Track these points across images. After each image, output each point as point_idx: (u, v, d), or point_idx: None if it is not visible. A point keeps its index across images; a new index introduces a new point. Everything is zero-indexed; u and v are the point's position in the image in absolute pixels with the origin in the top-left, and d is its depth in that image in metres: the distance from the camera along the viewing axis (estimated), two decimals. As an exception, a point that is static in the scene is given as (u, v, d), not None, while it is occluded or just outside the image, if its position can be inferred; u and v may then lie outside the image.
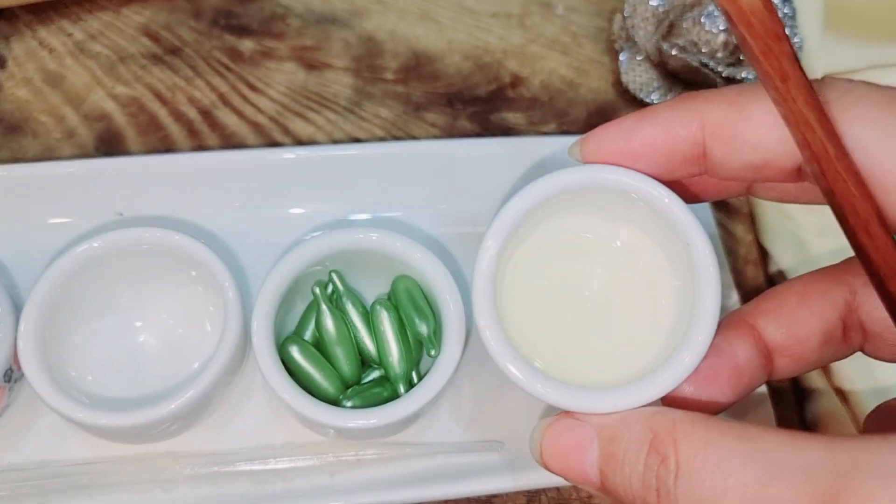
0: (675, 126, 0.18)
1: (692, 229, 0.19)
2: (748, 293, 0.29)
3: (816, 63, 0.32)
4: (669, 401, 0.19)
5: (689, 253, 0.19)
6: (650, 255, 0.21)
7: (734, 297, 0.28)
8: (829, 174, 0.16)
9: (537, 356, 0.20)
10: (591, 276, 0.21)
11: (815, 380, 0.28)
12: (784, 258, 0.30)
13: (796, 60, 0.16)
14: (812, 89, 0.16)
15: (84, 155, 0.30)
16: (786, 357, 0.20)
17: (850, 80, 0.17)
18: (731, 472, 0.14)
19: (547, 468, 0.18)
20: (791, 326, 0.19)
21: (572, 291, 0.21)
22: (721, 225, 0.30)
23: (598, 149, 0.19)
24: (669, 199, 0.19)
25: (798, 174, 0.17)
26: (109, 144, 0.30)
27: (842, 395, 0.27)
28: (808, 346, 0.19)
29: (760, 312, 0.20)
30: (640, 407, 0.18)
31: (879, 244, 0.16)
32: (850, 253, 0.23)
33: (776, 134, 0.17)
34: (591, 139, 0.19)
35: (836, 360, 0.21)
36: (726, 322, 0.20)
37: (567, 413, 0.18)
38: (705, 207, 0.29)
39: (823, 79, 0.17)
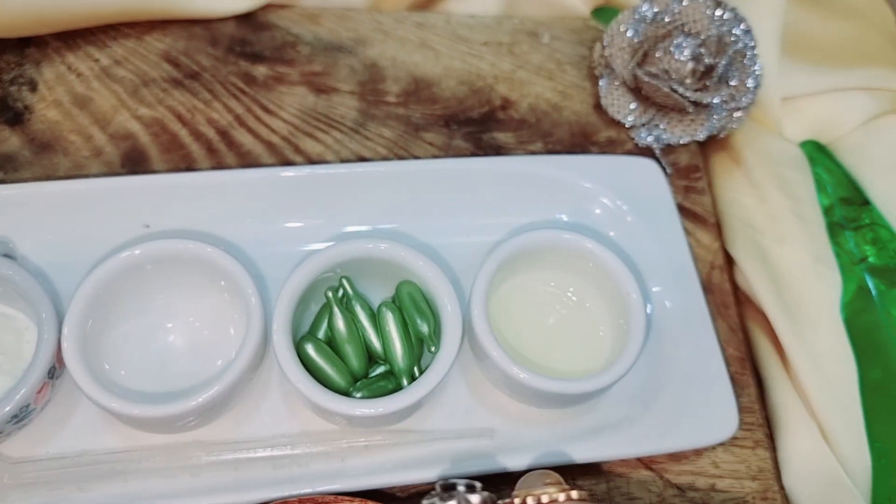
0: None
1: (630, 283, 0.27)
2: (715, 296, 0.32)
3: (775, 88, 0.36)
4: None
5: (627, 300, 0.27)
6: (595, 299, 0.29)
7: (702, 300, 0.31)
8: None
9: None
10: (551, 311, 0.29)
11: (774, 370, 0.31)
12: (747, 264, 0.33)
13: None
14: None
15: (111, 171, 0.32)
16: None
17: None
18: None
19: None
20: None
21: (538, 321, 0.29)
22: (690, 234, 0.33)
23: None
24: (615, 261, 0.27)
25: None
26: (134, 162, 0.33)
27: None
28: None
29: None
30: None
31: None
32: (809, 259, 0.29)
33: None
34: None
35: None
36: None
37: None
38: (676, 218, 0.33)
39: None
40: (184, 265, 0.26)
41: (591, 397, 0.26)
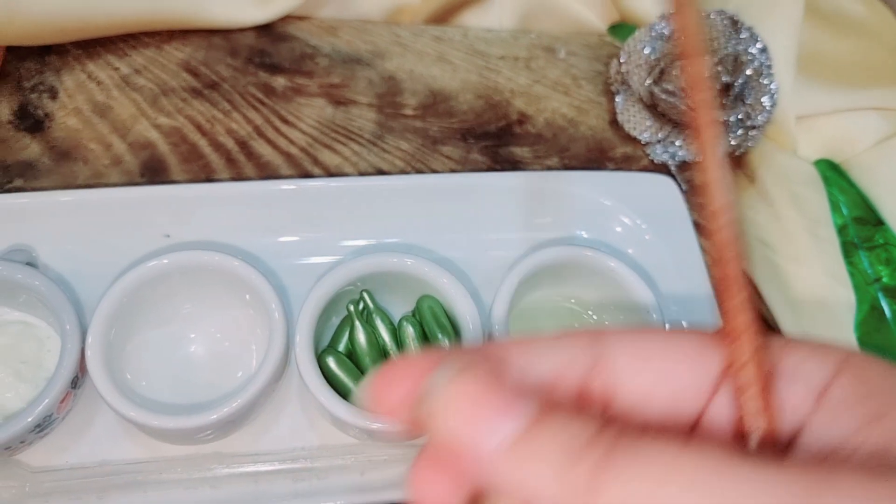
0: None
1: (651, 304, 0.27)
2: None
3: (790, 107, 0.36)
4: None
5: (647, 320, 0.27)
6: (614, 317, 0.29)
7: (718, 318, 0.31)
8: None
9: None
10: (570, 328, 0.29)
11: None
12: (761, 281, 0.33)
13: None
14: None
15: (130, 180, 0.32)
16: None
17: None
18: None
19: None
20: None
21: None
22: (706, 251, 0.34)
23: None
24: (637, 281, 0.27)
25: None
26: (154, 171, 0.33)
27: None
28: None
29: None
30: None
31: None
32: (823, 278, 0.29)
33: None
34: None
35: None
36: None
37: None
38: (693, 235, 0.33)
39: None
40: (209, 277, 0.27)
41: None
